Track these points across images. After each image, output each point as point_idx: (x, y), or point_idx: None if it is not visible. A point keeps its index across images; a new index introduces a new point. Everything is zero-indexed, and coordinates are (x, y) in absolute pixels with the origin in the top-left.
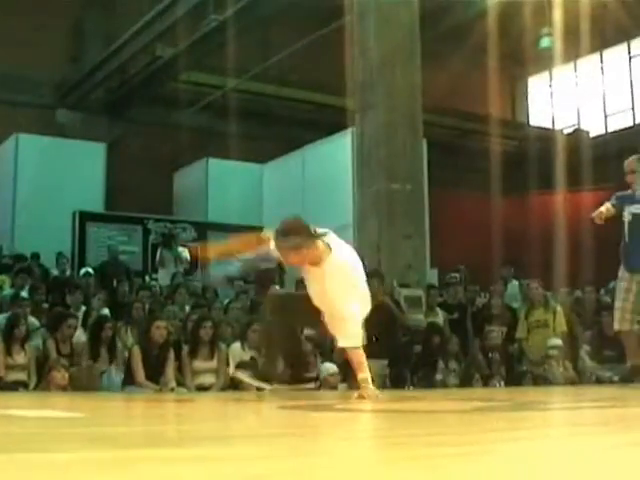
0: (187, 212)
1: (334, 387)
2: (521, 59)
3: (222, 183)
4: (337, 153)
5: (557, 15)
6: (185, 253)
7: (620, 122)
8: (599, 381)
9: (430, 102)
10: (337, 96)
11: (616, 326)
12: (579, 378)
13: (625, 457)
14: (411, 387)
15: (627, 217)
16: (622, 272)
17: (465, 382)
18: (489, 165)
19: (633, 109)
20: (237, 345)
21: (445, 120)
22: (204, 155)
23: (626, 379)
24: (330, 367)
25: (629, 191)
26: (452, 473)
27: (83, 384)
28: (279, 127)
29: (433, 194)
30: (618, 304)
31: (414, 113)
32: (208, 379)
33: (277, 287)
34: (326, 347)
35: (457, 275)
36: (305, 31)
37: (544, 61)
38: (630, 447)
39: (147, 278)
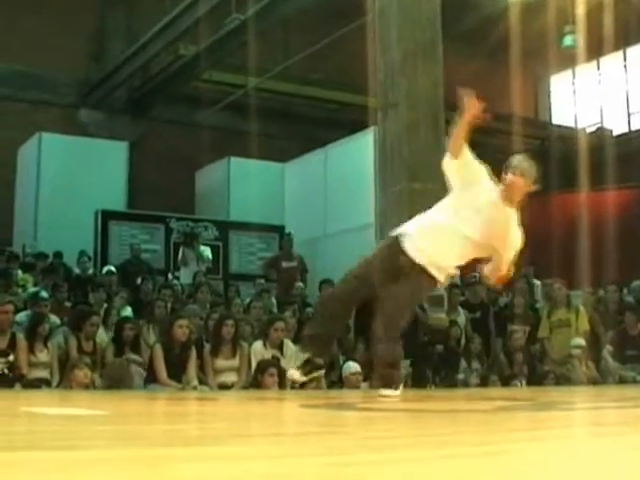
0: (209, 211)
1: (356, 386)
2: (544, 57)
3: (244, 182)
4: (359, 152)
5: (580, 13)
6: (207, 252)
7: None
8: (622, 381)
9: (452, 100)
10: (359, 95)
11: None
12: (602, 378)
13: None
14: (433, 387)
15: None
16: None
17: (487, 382)
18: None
19: None
20: (259, 344)
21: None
22: (226, 154)
23: None
24: (352, 366)
25: None
26: (473, 473)
27: (115, 380)
28: (300, 126)
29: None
30: None
31: (436, 111)
32: (230, 377)
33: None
34: (349, 345)
35: (476, 274)
36: (326, 29)
37: (567, 59)
38: None
39: (169, 276)
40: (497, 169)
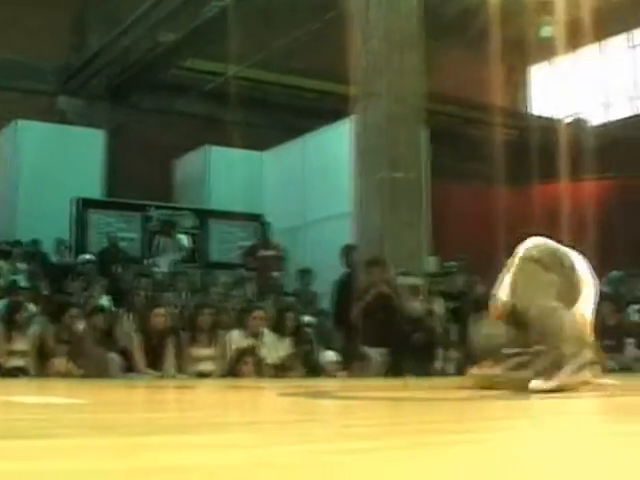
0: (188, 199)
1: (334, 375)
2: (523, 48)
3: (223, 170)
4: (338, 141)
5: (558, 4)
6: (184, 240)
7: (621, 111)
8: None
9: (432, 90)
10: (339, 84)
11: None
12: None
13: (622, 446)
14: (411, 375)
15: None
16: None
17: (464, 370)
18: (490, 154)
19: (634, 99)
20: (237, 332)
21: (448, 108)
22: (205, 142)
23: (625, 368)
24: (330, 355)
25: None
26: (450, 461)
27: (93, 372)
28: (280, 115)
29: (435, 183)
30: None
31: (417, 101)
32: (208, 366)
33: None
34: (325, 334)
35: (457, 264)
36: (308, 18)
37: (546, 50)
38: (628, 436)
39: (146, 265)
40: (476, 161)
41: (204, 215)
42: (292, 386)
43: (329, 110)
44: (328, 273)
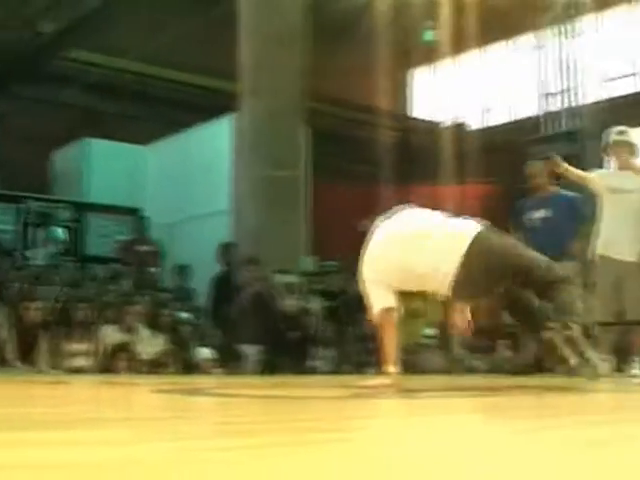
0: (67, 192)
1: (210, 372)
2: (406, 51)
3: (104, 163)
4: (220, 137)
5: (442, 9)
6: (59, 233)
7: (500, 117)
8: (470, 370)
9: (316, 90)
10: (222, 80)
11: None
12: (452, 367)
13: (491, 443)
14: (287, 373)
15: (529, 223)
16: None
17: (340, 369)
18: (372, 155)
19: (512, 105)
20: (112, 327)
21: (331, 109)
22: (87, 134)
23: (496, 369)
24: (205, 352)
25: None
26: (324, 459)
27: None
28: (163, 109)
29: (316, 182)
30: None
31: (297, 100)
32: (82, 361)
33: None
34: (200, 331)
35: (335, 263)
36: (192, 13)
37: (429, 54)
38: (498, 434)
39: (22, 257)
40: (358, 161)
41: (82, 208)
42: (167, 383)
43: (213, 106)
44: (206, 270)
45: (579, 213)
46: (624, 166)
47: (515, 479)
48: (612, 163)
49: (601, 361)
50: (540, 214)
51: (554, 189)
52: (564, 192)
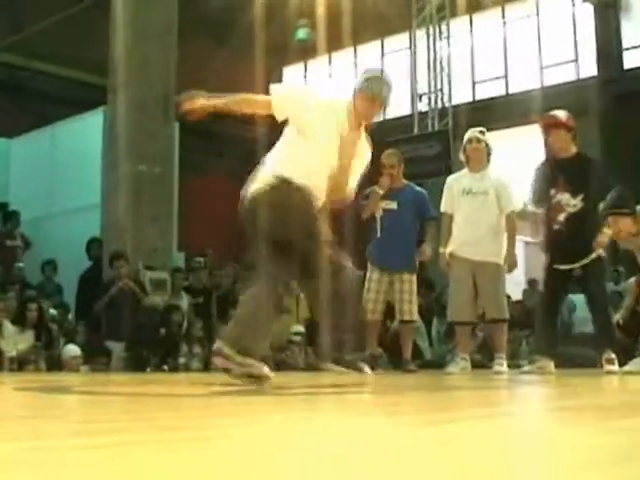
0: None
1: (76, 370)
2: (278, 48)
3: None
4: (89, 131)
5: (317, 8)
6: None
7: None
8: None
9: (189, 86)
10: (91, 73)
11: (368, 316)
12: (319, 364)
13: (353, 440)
14: (153, 370)
15: (379, 213)
16: (371, 269)
17: (208, 366)
18: (240, 151)
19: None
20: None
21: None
22: None
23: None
24: (72, 349)
25: (376, 187)
26: (185, 458)
27: None
28: (29, 102)
29: (184, 178)
30: (370, 296)
31: (167, 94)
32: None
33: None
34: (66, 328)
35: (203, 259)
36: (61, 3)
37: (300, 52)
38: (360, 432)
39: None
40: (225, 157)
41: None
42: (31, 380)
43: (83, 100)
44: (74, 266)
45: (423, 208)
46: (477, 168)
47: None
48: (467, 163)
49: (462, 360)
50: (390, 205)
51: (405, 182)
52: (414, 186)
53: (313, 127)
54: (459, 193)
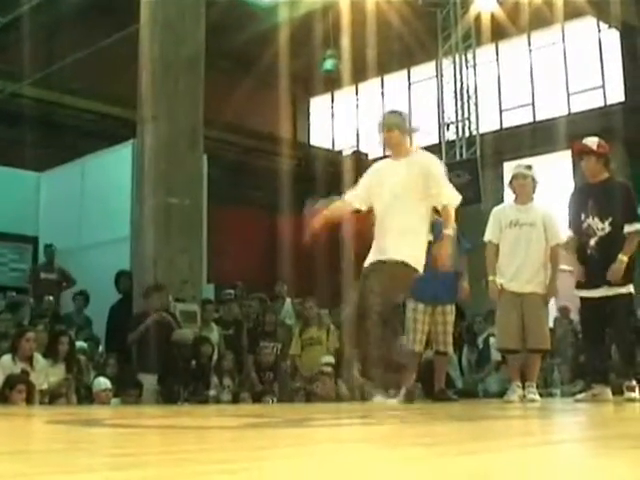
0: None
1: (106, 402)
2: (304, 80)
3: None
4: (118, 164)
5: (342, 39)
6: None
7: None
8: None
9: (215, 118)
10: (120, 107)
11: (417, 347)
12: (351, 395)
13: (386, 471)
14: (183, 403)
15: None
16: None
17: (238, 398)
18: (270, 183)
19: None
20: (8, 357)
21: (229, 137)
22: None
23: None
24: (103, 382)
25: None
26: None
27: None
28: (59, 136)
29: (213, 210)
30: (417, 327)
31: (195, 127)
32: None
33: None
34: (98, 360)
35: (233, 291)
36: (91, 38)
37: (327, 82)
38: (392, 463)
39: None
40: (256, 189)
41: None
42: (62, 413)
43: (110, 133)
44: (103, 298)
45: (458, 241)
46: (525, 200)
47: None
48: (514, 196)
49: (518, 387)
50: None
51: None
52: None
53: None
54: (505, 225)
